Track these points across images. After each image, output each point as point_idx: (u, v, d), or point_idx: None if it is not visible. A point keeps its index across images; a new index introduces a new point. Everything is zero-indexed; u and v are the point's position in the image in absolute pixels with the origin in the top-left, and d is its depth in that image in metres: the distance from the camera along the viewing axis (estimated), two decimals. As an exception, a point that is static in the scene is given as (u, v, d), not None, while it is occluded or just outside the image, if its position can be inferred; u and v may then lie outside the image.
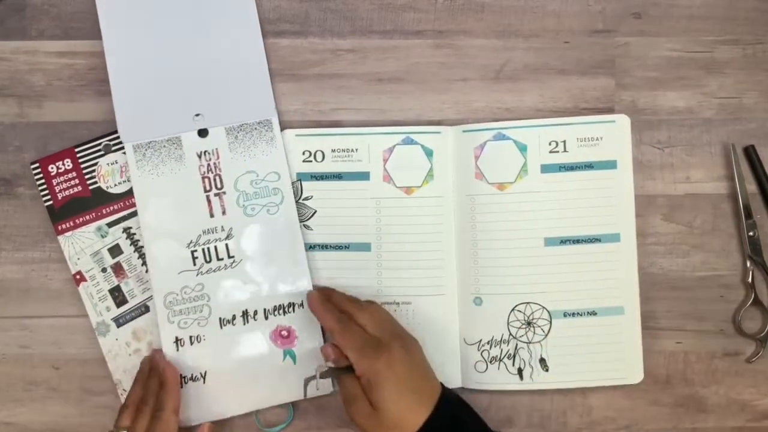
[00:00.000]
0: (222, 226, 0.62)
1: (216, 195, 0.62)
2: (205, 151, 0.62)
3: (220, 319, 0.61)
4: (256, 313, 0.62)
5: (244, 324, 0.61)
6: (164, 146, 0.62)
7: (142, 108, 0.62)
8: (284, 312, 0.62)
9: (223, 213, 0.62)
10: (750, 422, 0.63)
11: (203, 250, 0.62)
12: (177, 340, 0.61)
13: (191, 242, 0.62)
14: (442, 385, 0.56)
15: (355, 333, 0.55)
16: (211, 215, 0.62)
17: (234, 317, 0.61)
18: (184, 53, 0.62)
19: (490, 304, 0.62)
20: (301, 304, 0.62)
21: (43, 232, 0.63)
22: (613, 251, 0.62)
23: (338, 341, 0.55)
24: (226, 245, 0.62)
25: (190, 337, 0.61)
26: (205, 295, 0.61)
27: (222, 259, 0.62)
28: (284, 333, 0.61)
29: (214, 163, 0.62)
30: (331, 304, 0.58)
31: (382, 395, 0.52)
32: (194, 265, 0.62)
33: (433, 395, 0.54)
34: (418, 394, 0.53)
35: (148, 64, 0.62)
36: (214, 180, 0.62)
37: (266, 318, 0.62)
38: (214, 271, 0.62)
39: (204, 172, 0.62)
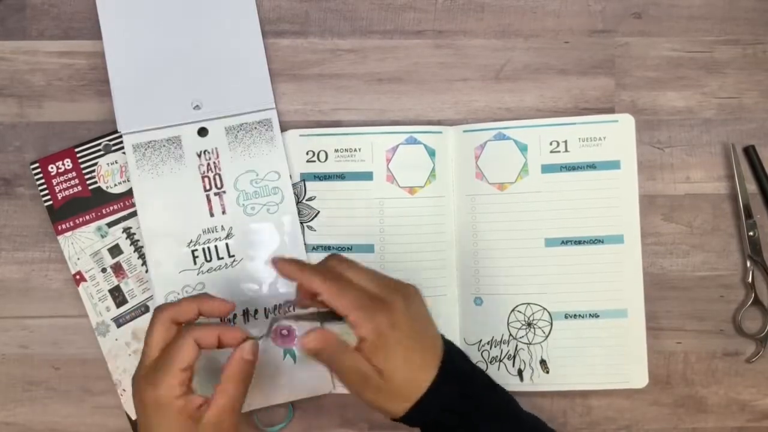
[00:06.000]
0: (222, 226, 0.62)
1: (216, 194, 0.62)
2: (204, 151, 0.62)
3: (220, 318, 0.61)
4: (256, 312, 0.62)
5: (245, 323, 0.61)
6: (164, 146, 0.62)
7: (141, 100, 0.62)
8: (285, 311, 0.62)
9: (223, 212, 0.62)
10: (750, 422, 0.63)
11: (203, 249, 0.62)
12: None
13: (191, 241, 0.62)
14: (441, 336, 0.52)
15: (352, 291, 0.49)
16: (211, 214, 0.62)
17: (235, 316, 0.61)
18: (183, 50, 0.62)
19: (490, 305, 0.62)
20: (303, 304, 0.62)
21: (43, 232, 0.63)
22: (616, 253, 0.62)
23: (332, 303, 0.49)
24: (227, 244, 0.62)
25: None
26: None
27: (222, 258, 0.62)
28: (284, 332, 0.61)
29: (214, 163, 0.62)
30: (310, 265, 0.52)
31: (388, 358, 0.48)
32: (195, 264, 0.62)
33: (437, 351, 0.51)
34: (424, 352, 0.50)
35: (147, 61, 0.62)
36: (214, 179, 0.62)
37: (266, 317, 0.61)
38: (214, 270, 0.62)
39: (204, 172, 0.62)
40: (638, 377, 0.62)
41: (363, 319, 0.48)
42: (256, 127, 0.63)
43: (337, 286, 0.49)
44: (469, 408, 0.50)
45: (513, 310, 0.62)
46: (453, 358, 0.51)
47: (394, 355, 0.48)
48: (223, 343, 0.52)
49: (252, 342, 0.52)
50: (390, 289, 0.50)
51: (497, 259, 0.62)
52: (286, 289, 0.62)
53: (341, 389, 0.62)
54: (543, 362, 0.62)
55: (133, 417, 0.62)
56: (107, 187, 0.62)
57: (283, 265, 0.51)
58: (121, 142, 0.62)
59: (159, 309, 0.52)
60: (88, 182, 0.62)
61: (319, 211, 0.63)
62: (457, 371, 0.51)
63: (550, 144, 0.63)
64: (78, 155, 0.62)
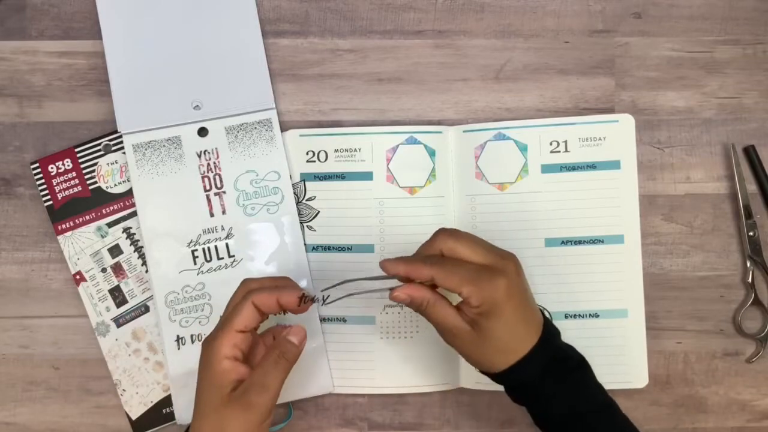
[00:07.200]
0: (222, 226, 0.62)
1: (216, 194, 0.62)
2: (204, 151, 0.62)
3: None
4: None
5: None
6: (164, 146, 0.62)
7: (141, 100, 0.62)
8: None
9: (223, 212, 0.62)
10: (750, 422, 0.63)
11: (203, 249, 0.62)
12: (178, 339, 0.61)
13: (191, 241, 0.62)
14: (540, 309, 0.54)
15: (461, 268, 0.50)
16: (212, 215, 0.62)
17: None
18: (183, 50, 0.62)
19: (490, 304, 0.62)
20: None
21: (43, 232, 0.63)
22: (616, 253, 0.62)
23: (445, 284, 0.50)
24: (227, 244, 0.62)
25: (191, 335, 0.61)
26: (206, 294, 0.61)
27: (222, 258, 0.62)
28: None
29: (214, 163, 0.62)
30: (414, 257, 0.52)
31: (497, 325, 0.49)
32: (195, 264, 0.62)
33: (539, 324, 0.52)
34: (528, 324, 0.51)
35: (147, 61, 0.62)
36: (214, 179, 0.62)
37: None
38: (214, 270, 0.62)
39: (204, 172, 0.62)
40: (638, 377, 0.62)
41: (474, 292, 0.49)
42: (256, 127, 0.63)
43: (444, 267, 0.50)
44: (558, 381, 0.51)
45: (513, 310, 0.62)
46: (551, 332, 0.52)
47: (504, 324, 0.50)
48: (282, 306, 0.53)
49: (299, 327, 0.53)
50: (500, 256, 0.51)
51: (497, 259, 0.62)
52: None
53: (341, 389, 0.62)
54: (543, 362, 0.62)
55: (133, 417, 0.62)
56: (107, 187, 0.62)
57: (390, 266, 0.51)
58: (121, 142, 0.62)
59: (244, 283, 0.54)
60: (88, 182, 0.62)
61: (319, 211, 0.63)
62: (552, 347, 0.52)
63: (550, 144, 0.63)
64: (78, 155, 0.62)
